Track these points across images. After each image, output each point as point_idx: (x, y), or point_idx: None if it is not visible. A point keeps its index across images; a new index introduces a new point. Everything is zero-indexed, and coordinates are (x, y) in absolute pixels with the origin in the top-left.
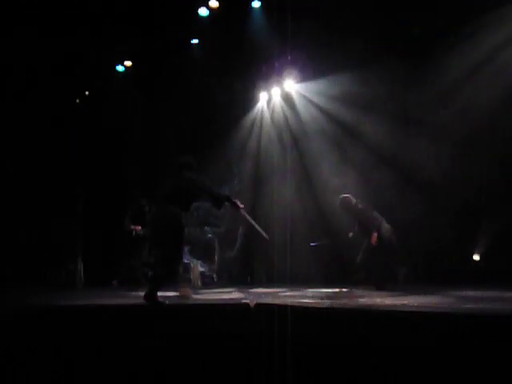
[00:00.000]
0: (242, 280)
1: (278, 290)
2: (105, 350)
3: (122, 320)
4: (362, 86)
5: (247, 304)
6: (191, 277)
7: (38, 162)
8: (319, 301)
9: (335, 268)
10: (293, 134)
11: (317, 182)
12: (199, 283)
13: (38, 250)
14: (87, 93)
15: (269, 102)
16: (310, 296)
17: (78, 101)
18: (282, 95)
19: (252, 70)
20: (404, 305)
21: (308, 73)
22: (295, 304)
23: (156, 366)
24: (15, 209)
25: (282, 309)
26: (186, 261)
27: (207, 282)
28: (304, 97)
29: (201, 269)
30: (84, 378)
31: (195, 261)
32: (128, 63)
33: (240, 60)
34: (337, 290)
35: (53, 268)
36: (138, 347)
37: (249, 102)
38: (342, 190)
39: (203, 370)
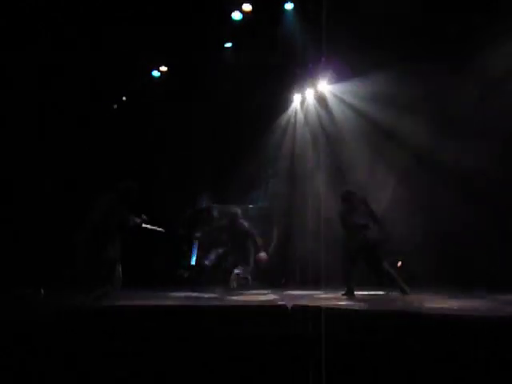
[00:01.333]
0: (277, 282)
1: (312, 292)
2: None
3: (165, 320)
4: (397, 85)
5: (284, 306)
6: (227, 279)
7: (77, 166)
8: (357, 303)
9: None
10: (327, 135)
11: (351, 182)
12: (235, 285)
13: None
14: (124, 98)
15: (302, 103)
16: (344, 298)
17: (115, 106)
18: (316, 96)
19: (286, 71)
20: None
21: (342, 73)
22: (330, 306)
23: (198, 366)
24: (59, 211)
25: (316, 311)
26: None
27: (243, 284)
28: (338, 97)
29: (236, 271)
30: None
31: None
32: (163, 68)
33: (274, 62)
34: (372, 292)
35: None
36: (177, 347)
37: (283, 103)
38: (377, 191)
39: (241, 370)
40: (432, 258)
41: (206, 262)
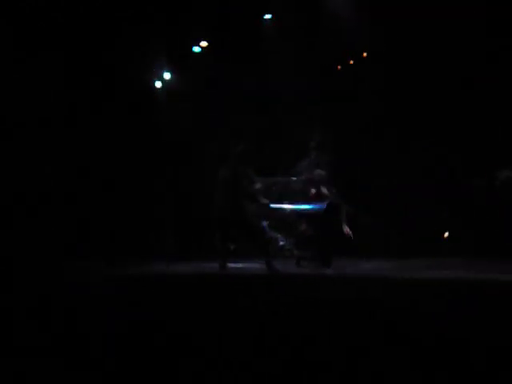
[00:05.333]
0: (320, 254)
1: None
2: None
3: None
4: None
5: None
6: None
7: (121, 145)
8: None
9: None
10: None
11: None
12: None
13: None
14: (168, 75)
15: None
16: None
17: (156, 84)
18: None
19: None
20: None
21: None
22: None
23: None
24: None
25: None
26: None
27: (287, 256)
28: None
29: (281, 243)
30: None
31: (275, 234)
32: (204, 43)
33: (315, 33)
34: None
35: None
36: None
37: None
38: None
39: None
40: None
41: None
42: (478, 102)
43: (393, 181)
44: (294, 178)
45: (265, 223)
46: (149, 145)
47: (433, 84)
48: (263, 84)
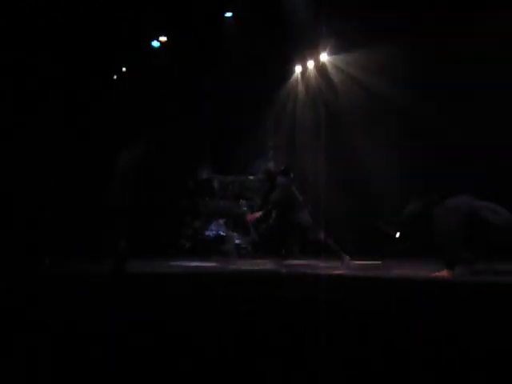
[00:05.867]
0: (277, 252)
1: (311, 262)
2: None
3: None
4: (399, 58)
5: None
6: (227, 249)
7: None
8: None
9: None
10: (327, 107)
11: (351, 154)
12: (235, 254)
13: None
14: (124, 69)
15: (303, 74)
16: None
17: (115, 77)
18: (317, 67)
19: (286, 42)
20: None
21: (343, 44)
22: (328, 274)
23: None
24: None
25: (314, 278)
26: (221, 233)
27: (243, 254)
28: (339, 69)
29: (236, 241)
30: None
31: (231, 233)
32: (163, 38)
33: (274, 32)
34: (369, 262)
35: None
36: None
37: (283, 75)
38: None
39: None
40: None
41: (207, 233)
42: None
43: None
44: (251, 177)
45: (221, 221)
46: (101, 137)
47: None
48: (222, 82)
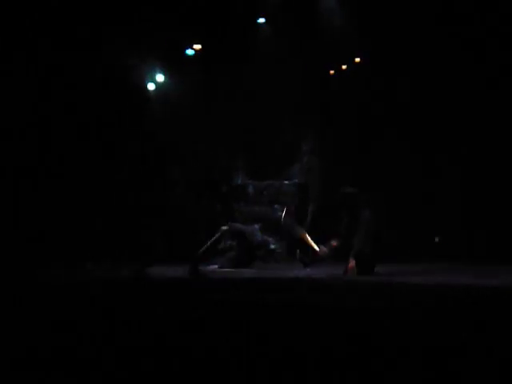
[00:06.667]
0: (311, 257)
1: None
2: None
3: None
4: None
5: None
6: (261, 254)
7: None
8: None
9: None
10: (363, 111)
11: (389, 160)
12: (269, 259)
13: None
14: (159, 77)
15: (338, 78)
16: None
17: (149, 85)
18: (352, 72)
19: (320, 46)
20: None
21: (379, 47)
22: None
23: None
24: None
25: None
26: (258, 238)
27: (277, 259)
28: (375, 72)
29: (271, 246)
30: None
31: (266, 238)
32: (197, 46)
33: (308, 37)
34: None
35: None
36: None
37: (318, 79)
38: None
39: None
40: None
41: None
42: None
43: (384, 184)
44: (287, 182)
45: (256, 226)
46: (140, 147)
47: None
48: (256, 87)
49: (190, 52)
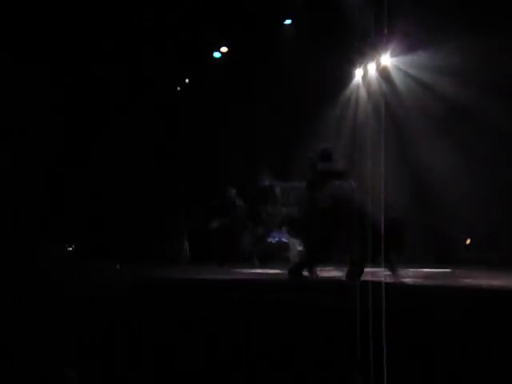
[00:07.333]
0: (342, 259)
1: (377, 269)
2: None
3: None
4: (466, 57)
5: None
6: (289, 256)
7: (142, 149)
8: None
9: (438, 249)
10: (390, 110)
11: (415, 161)
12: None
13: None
14: (187, 80)
15: (364, 77)
16: (410, 275)
17: (178, 88)
18: (379, 70)
19: (346, 45)
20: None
21: (406, 45)
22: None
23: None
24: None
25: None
26: (284, 240)
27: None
28: (402, 71)
29: (299, 248)
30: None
31: (293, 240)
32: (224, 49)
33: (334, 36)
34: (439, 270)
35: (158, 244)
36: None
37: (344, 78)
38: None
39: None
40: None
41: (270, 240)
42: None
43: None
44: None
45: (283, 228)
46: (168, 149)
47: None
48: (282, 88)
49: (217, 55)
